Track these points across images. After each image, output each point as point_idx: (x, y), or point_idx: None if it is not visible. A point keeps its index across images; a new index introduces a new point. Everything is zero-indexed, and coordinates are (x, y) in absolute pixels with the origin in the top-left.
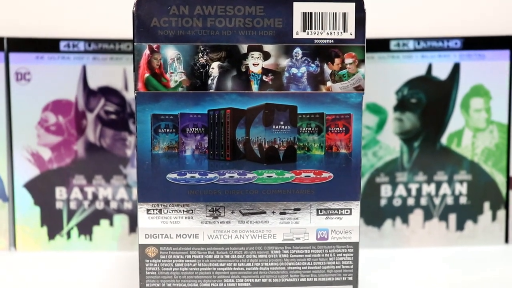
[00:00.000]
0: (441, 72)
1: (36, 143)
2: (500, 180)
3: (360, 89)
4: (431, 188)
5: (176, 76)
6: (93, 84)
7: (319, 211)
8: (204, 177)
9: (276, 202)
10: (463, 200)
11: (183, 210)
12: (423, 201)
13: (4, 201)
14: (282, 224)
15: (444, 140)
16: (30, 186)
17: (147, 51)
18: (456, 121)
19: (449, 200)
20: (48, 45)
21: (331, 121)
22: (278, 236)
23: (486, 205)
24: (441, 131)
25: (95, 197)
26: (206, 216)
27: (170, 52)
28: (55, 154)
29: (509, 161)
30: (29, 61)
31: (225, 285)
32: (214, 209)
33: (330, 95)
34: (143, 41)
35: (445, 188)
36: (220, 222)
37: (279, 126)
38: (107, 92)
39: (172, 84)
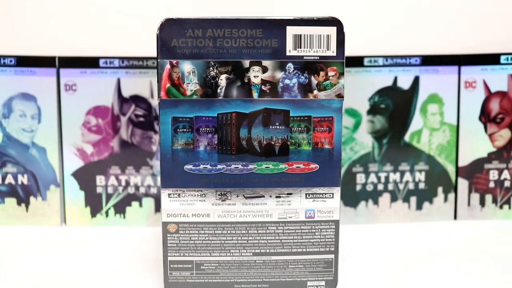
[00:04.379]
0: (404, 83)
1: (81, 140)
2: (451, 169)
3: (340, 96)
4: (397, 176)
5: (191, 86)
6: (126, 93)
7: (308, 195)
8: (214, 167)
9: (272, 188)
10: (421, 185)
11: (197, 194)
12: (390, 186)
13: (56, 187)
14: (277, 205)
15: (407, 137)
16: (76, 175)
17: (168, 66)
18: (416, 122)
19: (411, 186)
20: (90, 62)
21: (317, 122)
22: (274, 215)
23: (440, 190)
24: (404, 130)
25: (127, 183)
26: (216, 199)
27: (187, 66)
28: (96, 149)
29: (457, 155)
30: (75, 75)
31: (231, 255)
32: (223, 193)
33: (316, 101)
34: (165, 58)
35: (407, 176)
36: (228, 204)
37: (275, 126)
38: (137, 100)
39: (188, 93)
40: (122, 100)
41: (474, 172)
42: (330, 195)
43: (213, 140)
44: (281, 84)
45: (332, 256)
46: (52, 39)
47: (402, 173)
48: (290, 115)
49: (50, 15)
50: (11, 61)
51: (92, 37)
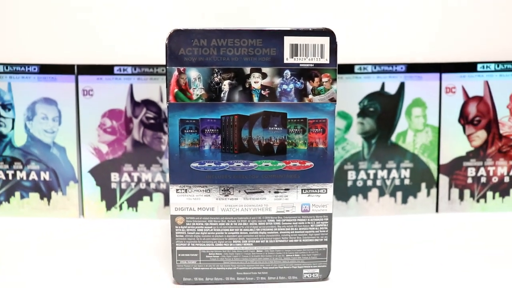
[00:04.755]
0: (391, 88)
1: (97, 140)
2: (433, 167)
3: (333, 100)
4: (384, 173)
5: (197, 91)
6: (138, 97)
7: (303, 190)
8: (218, 165)
9: (271, 184)
10: (406, 181)
11: (203, 190)
12: (378, 182)
13: (75, 183)
14: (276, 200)
15: (393, 138)
16: (93, 172)
17: (176, 73)
18: (402, 124)
19: (397, 182)
20: (105, 70)
21: (312, 124)
22: (273, 209)
23: (423, 185)
24: (391, 131)
25: (139, 180)
26: (220, 194)
27: (193, 73)
28: (111, 148)
29: (439, 153)
30: (92, 81)
31: (234, 245)
32: (226, 189)
33: (311, 105)
34: (173, 65)
35: (394, 173)
36: (230, 199)
37: (274, 127)
38: (148, 103)
39: (194, 97)
40: (134, 104)
41: (454, 169)
42: (324, 191)
43: (217, 140)
44: (279, 89)
45: (326, 246)
46: (71, 49)
47: (389, 170)
48: (287, 117)
49: (69, 28)
50: (34, 68)
51: (107, 47)
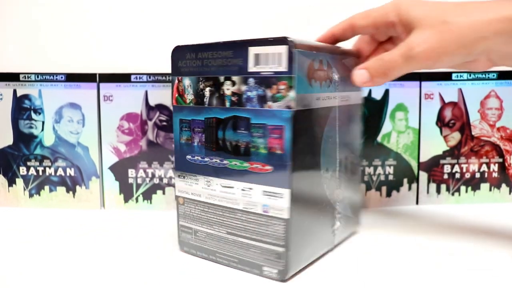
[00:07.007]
0: (377, 94)
1: (116, 140)
2: (414, 164)
3: (289, 108)
4: (371, 169)
5: (189, 96)
6: (152, 102)
7: (264, 192)
8: (203, 159)
9: (239, 182)
10: (390, 177)
11: (194, 178)
12: (366, 178)
13: (96, 178)
14: (242, 197)
15: (379, 138)
16: (113, 168)
17: (176, 81)
18: (386, 126)
19: (382, 177)
20: (124, 78)
21: (271, 130)
22: (241, 204)
23: (405, 181)
24: (377, 133)
25: (153, 175)
26: (204, 184)
27: (186, 81)
28: (128, 148)
29: (419, 152)
30: (112, 88)
31: (213, 229)
32: (208, 180)
33: (270, 111)
34: (174, 75)
35: (379, 170)
36: (211, 189)
37: (241, 130)
38: (161, 107)
39: (187, 101)
40: (149, 108)
41: (432, 166)
42: (280, 195)
43: (202, 138)
44: (245, 96)
45: (283, 249)
46: (94, 60)
47: (375, 167)
48: (251, 122)
49: (92, 42)
50: (61, 77)
51: (125, 58)
